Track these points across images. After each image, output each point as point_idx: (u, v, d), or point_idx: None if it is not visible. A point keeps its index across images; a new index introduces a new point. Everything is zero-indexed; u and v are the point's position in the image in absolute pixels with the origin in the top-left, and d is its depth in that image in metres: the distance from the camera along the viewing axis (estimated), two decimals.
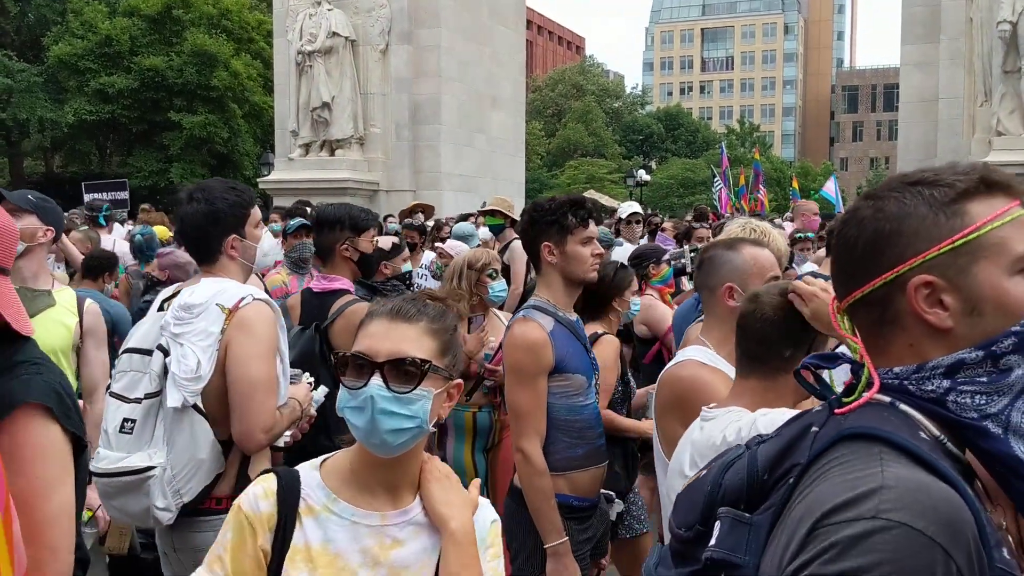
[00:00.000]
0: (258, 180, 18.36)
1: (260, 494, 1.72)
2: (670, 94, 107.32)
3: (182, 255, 5.83)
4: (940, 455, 1.10)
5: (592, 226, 3.19)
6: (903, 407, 1.16)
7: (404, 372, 1.69)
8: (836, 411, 1.22)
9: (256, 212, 3.12)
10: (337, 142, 16.10)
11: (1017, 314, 1.10)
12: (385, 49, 16.28)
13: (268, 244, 3.17)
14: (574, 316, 3.31)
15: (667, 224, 9.36)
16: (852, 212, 1.22)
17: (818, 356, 1.36)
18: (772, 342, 2.23)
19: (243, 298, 2.87)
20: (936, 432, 1.13)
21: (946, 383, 1.12)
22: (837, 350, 1.37)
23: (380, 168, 16.31)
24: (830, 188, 20.99)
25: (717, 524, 1.25)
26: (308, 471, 1.78)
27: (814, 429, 1.21)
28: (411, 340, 1.72)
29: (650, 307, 5.71)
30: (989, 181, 1.15)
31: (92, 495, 3.39)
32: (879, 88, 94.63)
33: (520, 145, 20.62)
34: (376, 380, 1.67)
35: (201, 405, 2.76)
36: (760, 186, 25.56)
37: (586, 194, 12.36)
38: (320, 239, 4.25)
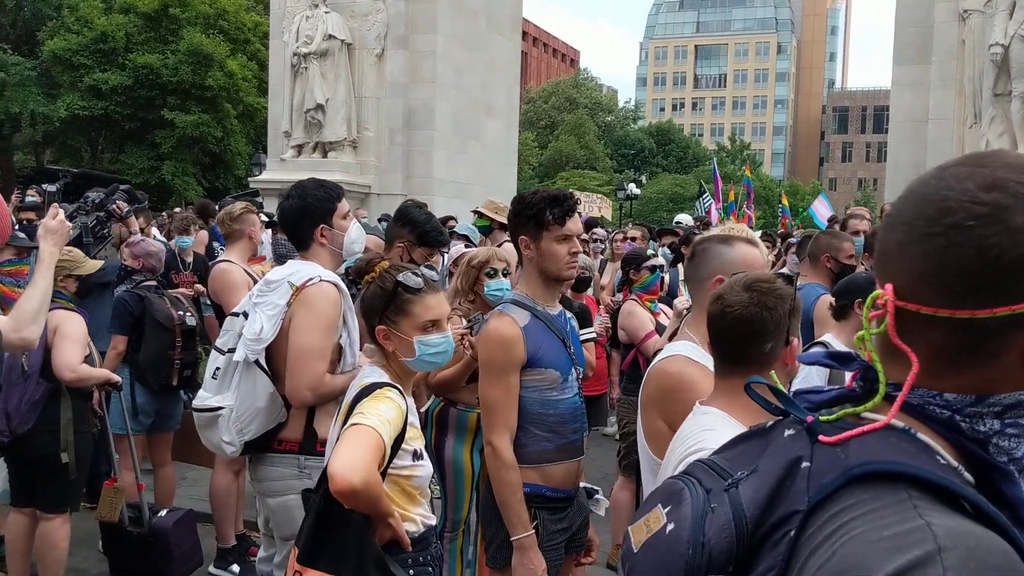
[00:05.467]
0: (249, 180, 18.34)
1: (398, 395, 2.66)
2: (662, 110, 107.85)
3: (151, 244, 5.86)
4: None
5: (570, 223, 3.14)
6: (922, 437, 1.00)
7: None
8: (823, 438, 1.02)
9: (344, 205, 3.60)
10: (330, 144, 16.10)
11: None
12: (381, 53, 16.30)
13: (355, 233, 3.63)
14: (555, 310, 3.29)
15: (636, 232, 9.36)
16: (998, 211, 0.94)
17: (832, 355, 1.15)
18: (749, 340, 2.15)
19: (311, 279, 3.36)
20: (953, 461, 0.99)
21: (996, 424, 1.00)
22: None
23: (372, 171, 16.31)
24: (818, 207, 21.11)
25: None
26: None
27: (805, 464, 1.01)
28: (446, 301, 2.90)
29: (630, 313, 5.74)
30: None
31: None
32: (869, 110, 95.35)
33: (513, 154, 20.65)
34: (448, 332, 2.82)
35: (264, 363, 3.34)
36: (750, 203, 25.70)
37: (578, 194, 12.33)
38: (389, 228, 4.70)
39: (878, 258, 1.07)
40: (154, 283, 5.62)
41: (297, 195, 3.56)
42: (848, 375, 1.15)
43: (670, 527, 1.09)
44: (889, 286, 1.02)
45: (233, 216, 5.46)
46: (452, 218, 10.70)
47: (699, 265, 2.75)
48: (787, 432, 1.09)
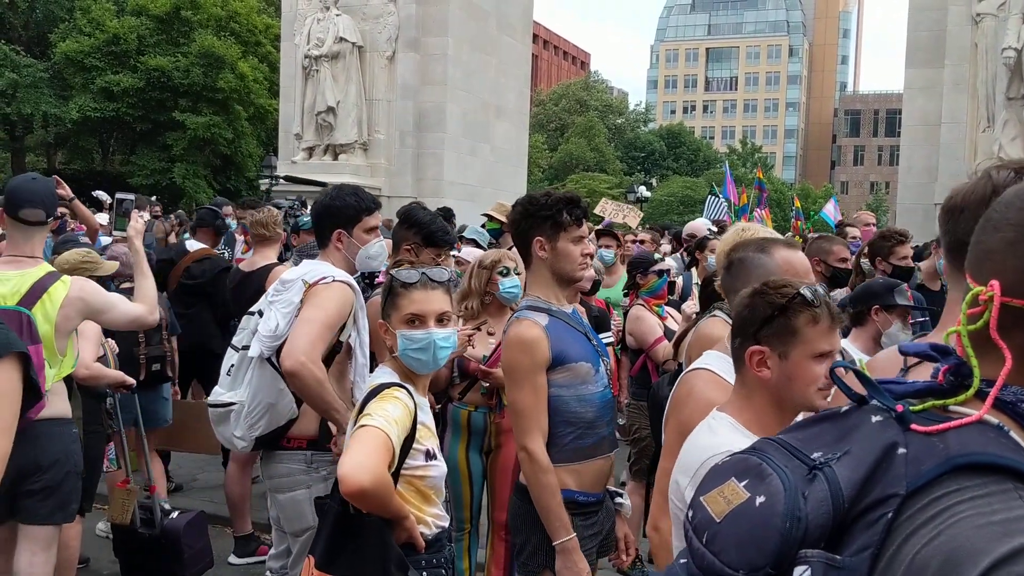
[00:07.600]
0: (260, 182, 18.39)
1: (406, 394, 2.64)
2: (673, 112, 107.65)
3: (115, 248, 5.86)
4: None
5: (585, 226, 3.19)
6: (1014, 436, 1.02)
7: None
8: (918, 427, 1.04)
9: (371, 220, 3.62)
10: (341, 147, 16.16)
11: None
12: (392, 56, 16.34)
13: (375, 250, 3.63)
14: (569, 308, 3.29)
15: (645, 236, 9.31)
16: None
17: (934, 346, 1.15)
18: (733, 335, 2.17)
19: (325, 277, 3.41)
20: None
21: None
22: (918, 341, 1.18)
23: (383, 174, 16.35)
24: (829, 210, 21.02)
25: (804, 570, 1.04)
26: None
27: (902, 451, 1.03)
28: (443, 300, 2.78)
29: (638, 318, 5.67)
30: None
31: None
32: (881, 113, 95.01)
33: (523, 157, 20.66)
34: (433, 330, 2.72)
35: (276, 360, 3.34)
36: (764, 204, 25.53)
37: (607, 202, 12.24)
38: (395, 232, 4.66)
39: (977, 258, 1.09)
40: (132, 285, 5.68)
41: (331, 194, 3.64)
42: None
43: (760, 499, 1.09)
44: (995, 282, 1.03)
45: (276, 221, 5.76)
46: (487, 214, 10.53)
47: (737, 276, 2.58)
48: (874, 418, 1.11)
